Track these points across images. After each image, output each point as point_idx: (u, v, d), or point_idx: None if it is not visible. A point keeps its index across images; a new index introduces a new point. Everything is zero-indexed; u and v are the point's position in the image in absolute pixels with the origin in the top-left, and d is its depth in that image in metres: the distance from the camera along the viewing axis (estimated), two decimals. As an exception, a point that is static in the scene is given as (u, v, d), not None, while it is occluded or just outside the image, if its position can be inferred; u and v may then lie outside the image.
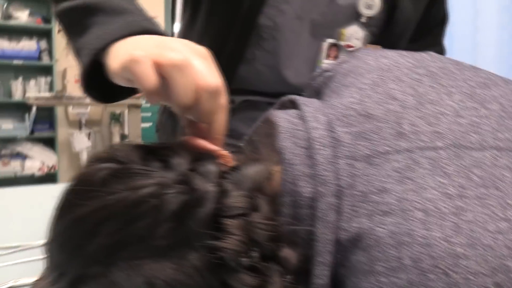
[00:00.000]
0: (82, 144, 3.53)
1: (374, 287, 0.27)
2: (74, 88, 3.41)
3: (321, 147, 0.32)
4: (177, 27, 1.49)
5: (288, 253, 0.30)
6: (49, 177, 3.58)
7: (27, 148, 3.59)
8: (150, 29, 0.42)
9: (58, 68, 3.64)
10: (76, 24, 0.47)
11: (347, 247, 0.30)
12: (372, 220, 0.28)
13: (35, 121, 3.62)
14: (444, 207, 0.27)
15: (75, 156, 3.63)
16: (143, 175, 0.31)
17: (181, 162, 0.32)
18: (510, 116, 0.33)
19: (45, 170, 3.59)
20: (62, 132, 3.70)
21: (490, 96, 0.34)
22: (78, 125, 3.69)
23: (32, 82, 3.62)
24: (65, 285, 0.31)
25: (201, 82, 0.34)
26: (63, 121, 3.73)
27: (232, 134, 0.42)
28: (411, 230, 0.27)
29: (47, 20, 3.60)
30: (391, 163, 0.30)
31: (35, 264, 0.58)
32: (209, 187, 0.30)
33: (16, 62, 3.47)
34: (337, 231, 0.30)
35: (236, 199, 0.31)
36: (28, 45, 3.55)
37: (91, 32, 0.44)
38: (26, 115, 3.61)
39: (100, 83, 0.45)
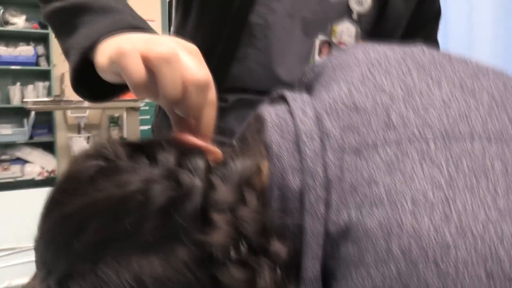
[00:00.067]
0: (82, 148, 3.53)
1: (363, 279, 0.27)
2: (72, 93, 3.38)
3: (309, 140, 0.32)
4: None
5: (277, 247, 0.30)
6: (49, 181, 3.58)
7: (26, 153, 3.60)
8: (139, 27, 0.42)
9: (56, 73, 3.64)
10: (64, 24, 0.47)
11: (336, 240, 0.29)
12: (361, 211, 0.28)
13: (34, 126, 3.62)
14: (433, 197, 0.27)
15: (74, 160, 3.63)
16: (130, 171, 0.30)
17: (168, 158, 0.32)
18: (500, 106, 0.33)
19: (45, 174, 3.59)
20: (61, 136, 3.70)
21: (480, 87, 0.34)
22: (77, 129, 3.69)
23: (30, 87, 3.63)
24: (53, 283, 0.31)
25: (189, 75, 0.34)
26: (62, 126, 3.74)
27: (226, 133, 0.42)
28: (400, 220, 0.26)
29: (44, 26, 3.61)
30: (379, 155, 0.30)
31: (32, 266, 0.58)
32: (196, 182, 0.30)
33: (13, 67, 3.48)
34: (326, 224, 0.30)
35: (224, 193, 0.30)
36: (25, 51, 3.56)
37: (80, 32, 0.44)
38: (25, 120, 3.61)
39: (91, 84, 0.45)
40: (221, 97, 0.65)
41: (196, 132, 0.36)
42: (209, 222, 0.29)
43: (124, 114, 3.39)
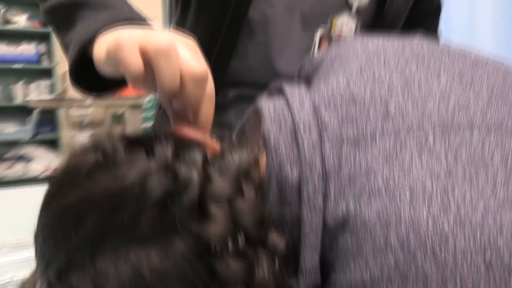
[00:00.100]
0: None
1: (362, 269, 0.27)
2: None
3: (307, 132, 0.32)
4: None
5: (275, 238, 0.30)
6: (53, 180, 3.59)
7: (30, 150, 3.61)
8: (136, 21, 0.42)
9: (58, 71, 3.65)
10: (63, 20, 0.47)
11: (334, 230, 0.29)
12: (359, 203, 0.28)
13: (38, 124, 3.63)
14: (432, 187, 0.27)
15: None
16: (127, 164, 0.30)
17: (166, 151, 0.32)
18: (499, 97, 0.33)
19: (49, 172, 3.61)
20: (66, 134, 3.72)
21: (479, 78, 0.34)
22: (80, 126, 3.70)
23: (33, 86, 3.63)
24: (52, 275, 0.31)
25: (187, 68, 0.34)
26: (65, 123, 3.75)
27: (227, 127, 0.42)
28: (398, 210, 0.26)
29: (45, 24, 3.61)
30: (378, 146, 0.30)
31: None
32: (193, 174, 0.30)
33: (16, 66, 3.49)
34: (325, 215, 0.30)
35: (221, 185, 0.30)
36: (27, 49, 3.57)
37: (78, 27, 0.45)
38: (28, 118, 3.63)
39: (90, 78, 0.45)
40: (221, 92, 0.65)
41: (194, 125, 0.36)
42: (206, 214, 0.29)
43: (127, 112, 3.40)
